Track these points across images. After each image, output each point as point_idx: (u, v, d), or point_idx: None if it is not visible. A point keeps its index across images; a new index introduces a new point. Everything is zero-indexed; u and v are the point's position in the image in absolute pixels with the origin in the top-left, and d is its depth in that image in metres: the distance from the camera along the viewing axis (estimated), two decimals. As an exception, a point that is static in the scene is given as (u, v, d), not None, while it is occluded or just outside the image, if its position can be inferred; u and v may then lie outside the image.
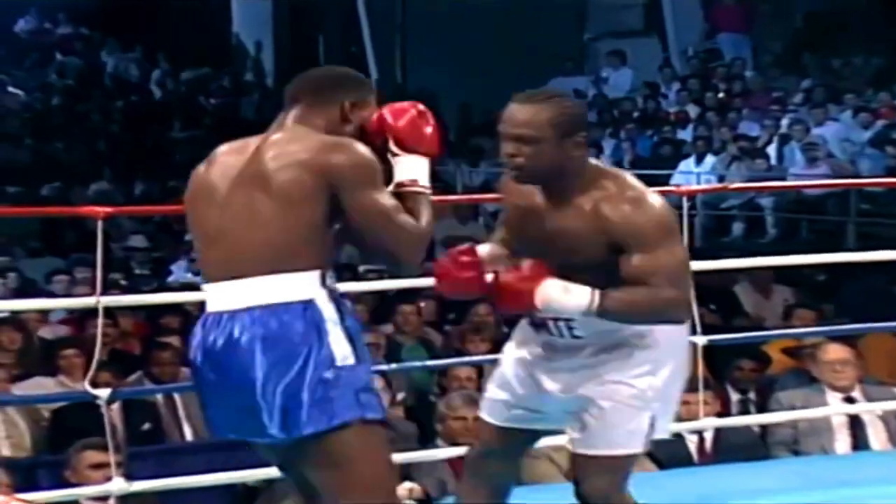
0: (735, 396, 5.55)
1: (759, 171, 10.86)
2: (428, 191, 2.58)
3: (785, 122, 11.99)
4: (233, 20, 17.34)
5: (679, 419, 4.67)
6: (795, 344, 5.82)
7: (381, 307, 6.90)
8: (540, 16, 14.48)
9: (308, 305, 2.43)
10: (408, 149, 2.59)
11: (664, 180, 11.09)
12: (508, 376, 2.92)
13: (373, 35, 15.88)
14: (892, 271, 7.55)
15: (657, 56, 14.81)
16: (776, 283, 8.00)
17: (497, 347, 6.01)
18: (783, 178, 10.67)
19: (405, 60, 15.86)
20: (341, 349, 2.44)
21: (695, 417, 4.37)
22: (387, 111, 2.62)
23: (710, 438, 4.77)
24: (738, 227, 10.86)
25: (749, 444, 4.81)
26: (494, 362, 5.93)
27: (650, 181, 10.30)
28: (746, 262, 5.40)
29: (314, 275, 2.45)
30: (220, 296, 2.48)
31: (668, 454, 4.69)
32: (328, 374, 2.41)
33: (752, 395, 5.55)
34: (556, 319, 2.78)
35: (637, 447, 2.79)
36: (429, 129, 2.63)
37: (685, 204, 4.49)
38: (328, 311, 2.45)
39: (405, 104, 2.66)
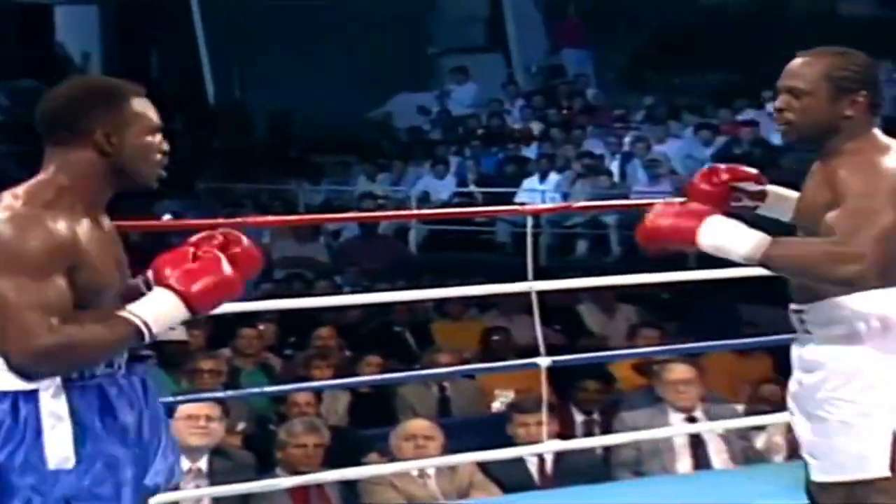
0: (580, 418, 5.63)
1: (603, 189, 11.05)
2: (139, 323, 2.22)
3: (628, 139, 12.23)
4: (56, 28, 16.87)
5: (520, 441, 4.75)
6: (645, 361, 5.93)
7: (219, 330, 6.82)
8: (385, 31, 14.53)
9: (27, 395, 2.18)
10: (160, 283, 2.28)
11: (509, 198, 11.22)
12: None
13: (210, 48, 15.68)
14: (735, 289, 7.75)
15: (501, 72, 14.98)
16: (620, 301, 8.13)
17: (340, 372, 6.06)
18: (626, 196, 10.87)
19: (244, 76, 15.72)
20: (58, 450, 2.18)
21: (537, 440, 4.41)
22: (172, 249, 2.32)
23: (550, 461, 4.81)
24: (582, 246, 11.02)
25: (591, 467, 4.87)
26: (336, 388, 5.94)
27: (496, 199, 10.37)
28: (591, 281, 5.44)
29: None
30: None
31: (508, 477, 4.73)
32: (29, 479, 2.17)
33: (596, 416, 5.64)
34: (796, 311, 2.58)
35: (874, 471, 2.47)
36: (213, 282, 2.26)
37: (529, 223, 4.56)
38: (50, 403, 2.19)
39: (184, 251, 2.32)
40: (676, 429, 4.87)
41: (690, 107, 12.73)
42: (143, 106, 2.29)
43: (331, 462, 4.67)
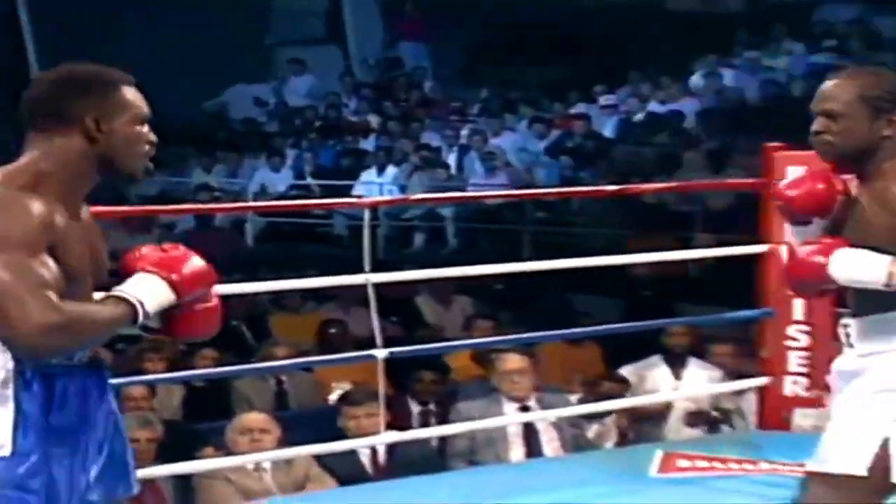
0: (416, 409, 5.66)
1: (440, 181, 11.12)
2: (132, 300, 2.19)
3: (464, 132, 12.33)
4: None
5: (351, 434, 4.75)
6: (480, 351, 5.99)
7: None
8: (222, 21, 14.35)
9: None
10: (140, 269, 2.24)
11: (346, 191, 11.22)
12: None
13: (35, 33, 15.23)
14: (567, 280, 7.90)
15: (339, 64, 14.95)
16: (456, 293, 8.20)
17: (174, 366, 5.97)
18: (463, 188, 10.96)
19: (74, 63, 15.28)
20: None
21: (370, 432, 4.42)
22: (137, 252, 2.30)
23: (383, 452, 4.82)
24: (419, 238, 11.07)
25: (426, 457, 4.89)
26: (171, 381, 5.85)
27: (333, 192, 10.40)
28: (427, 273, 5.48)
29: None
30: None
31: (343, 470, 4.73)
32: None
33: (432, 407, 5.68)
34: (845, 326, 2.65)
35: (850, 468, 2.53)
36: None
37: (367, 215, 4.57)
38: None
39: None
40: (510, 418, 4.93)
41: (525, 100, 12.89)
42: (133, 95, 2.25)
43: (164, 457, 4.61)
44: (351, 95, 14.06)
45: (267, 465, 4.67)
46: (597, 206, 10.13)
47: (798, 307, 4.53)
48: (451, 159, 11.88)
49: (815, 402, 4.65)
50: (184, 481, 4.70)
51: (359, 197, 9.32)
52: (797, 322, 4.53)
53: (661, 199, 9.90)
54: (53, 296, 2.09)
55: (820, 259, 2.59)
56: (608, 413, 5.36)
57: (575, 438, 4.95)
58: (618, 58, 12.99)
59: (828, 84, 2.62)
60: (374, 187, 11.31)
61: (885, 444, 2.51)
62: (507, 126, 12.25)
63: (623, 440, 5.45)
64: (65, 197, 2.18)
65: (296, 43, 15.24)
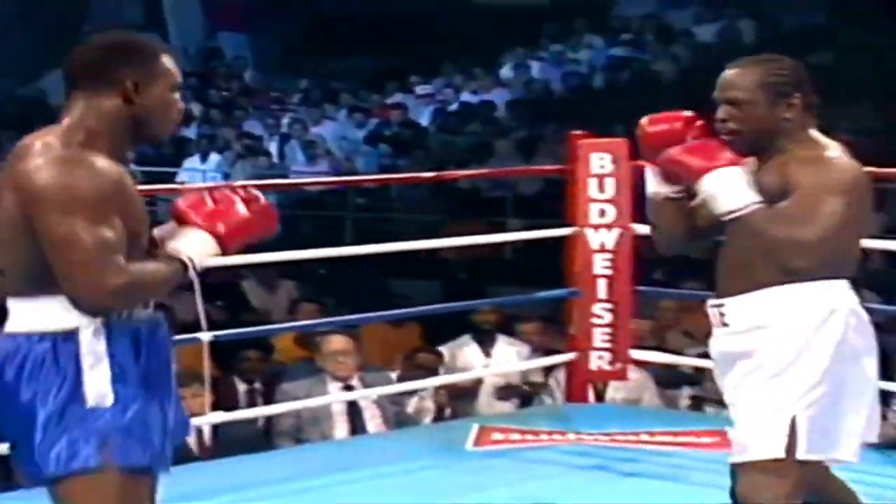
0: (242, 387, 5.64)
1: (263, 169, 11.08)
2: (185, 259, 2.25)
3: (285, 120, 12.28)
4: None
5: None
6: (305, 334, 6.00)
7: None
8: (42, 6, 13.95)
9: (67, 337, 2.18)
10: (188, 224, 2.29)
11: (169, 178, 11.06)
12: None
13: None
14: (387, 264, 7.97)
15: (159, 52, 14.68)
16: (281, 277, 8.19)
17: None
18: (285, 176, 10.93)
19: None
20: (96, 388, 2.17)
21: (197, 413, 4.41)
22: (184, 195, 2.36)
23: (208, 432, 4.81)
24: (243, 224, 10.96)
25: (251, 437, 4.89)
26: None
27: (156, 178, 10.17)
28: (252, 258, 5.46)
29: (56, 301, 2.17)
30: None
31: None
32: (69, 417, 2.17)
33: (258, 386, 5.67)
34: (717, 306, 2.62)
35: (771, 452, 2.52)
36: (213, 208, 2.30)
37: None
38: (90, 344, 2.18)
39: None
40: (334, 396, 4.97)
41: (344, 90, 12.90)
42: (171, 63, 2.30)
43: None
44: (172, 83, 13.83)
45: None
46: (414, 193, 10.24)
47: (602, 287, 4.65)
48: (273, 147, 11.83)
49: (619, 375, 4.84)
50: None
51: (181, 183, 9.22)
52: (601, 300, 4.67)
53: (474, 185, 10.05)
54: (121, 259, 2.14)
55: (700, 161, 2.57)
56: (427, 390, 5.45)
57: (396, 415, 5.02)
58: (432, 50, 13.11)
59: (729, 73, 2.63)
60: (198, 174, 11.19)
61: (792, 423, 2.52)
62: (327, 115, 12.25)
63: (440, 415, 5.55)
64: (115, 155, 2.22)
65: (114, 30, 14.87)
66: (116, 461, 2.17)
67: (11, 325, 2.21)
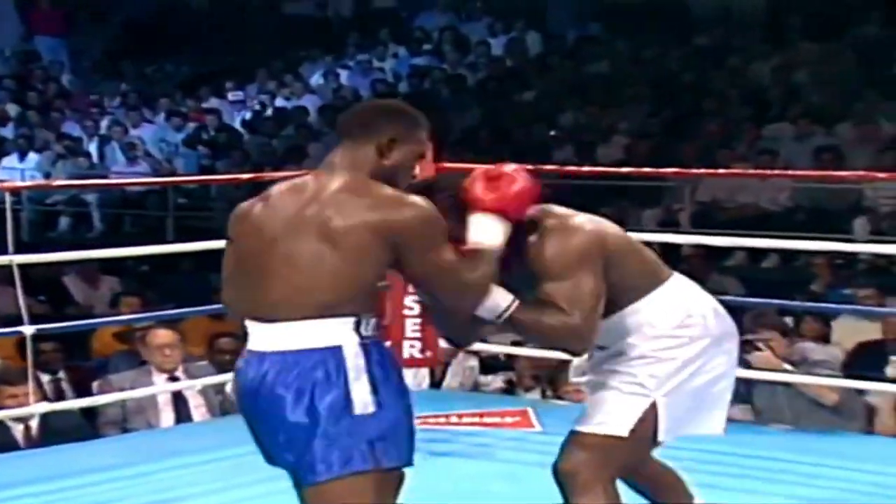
0: (46, 378, 5.39)
1: (83, 169, 10.78)
2: (492, 247, 2.42)
3: (104, 123, 11.94)
4: None
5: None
6: (126, 329, 5.83)
7: None
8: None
9: (334, 352, 2.26)
10: (481, 209, 2.44)
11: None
12: None
13: None
14: (206, 260, 7.80)
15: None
16: (103, 273, 7.97)
17: None
18: (106, 176, 10.64)
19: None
20: (361, 397, 2.25)
21: (24, 404, 4.25)
22: (473, 178, 2.46)
23: (36, 424, 4.62)
24: (65, 222, 10.67)
25: (75, 426, 4.70)
26: None
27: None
28: (74, 254, 5.29)
29: (348, 321, 2.28)
30: (260, 336, 2.30)
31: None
32: (342, 425, 2.25)
33: (62, 375, 5.47)
34: None
35: (616, 430, 2.51)
36: (510, 190, 2.45)
37: (8, 199, 4.33)
38: (353, 358, 2.27)
39: (493, 170, 2.47)
40: (160, 388, 4.84)
41: (162, 95, 12.62)
42: (425, 138, 2.41)
43: None
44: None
45: None
46: (234, 193, 10.07)
47: (412, 280, 4.66)
48: (93, 149, 11.49)
49: (429, 363, 4.84)
50: None
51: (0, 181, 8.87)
52: (412, 293, 4.66)
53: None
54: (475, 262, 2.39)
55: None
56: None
57: (221, 404, 4.91)
58: (242, 57, 12.93)
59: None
60: (17, 173, 10.78)
61: (653, 407, 2.52)
62: (146, 118, 11.97)
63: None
64: None
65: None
66: (383, 463, 2.26)
67: (278, 344, 2.27)
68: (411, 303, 4.64)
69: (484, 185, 2.44)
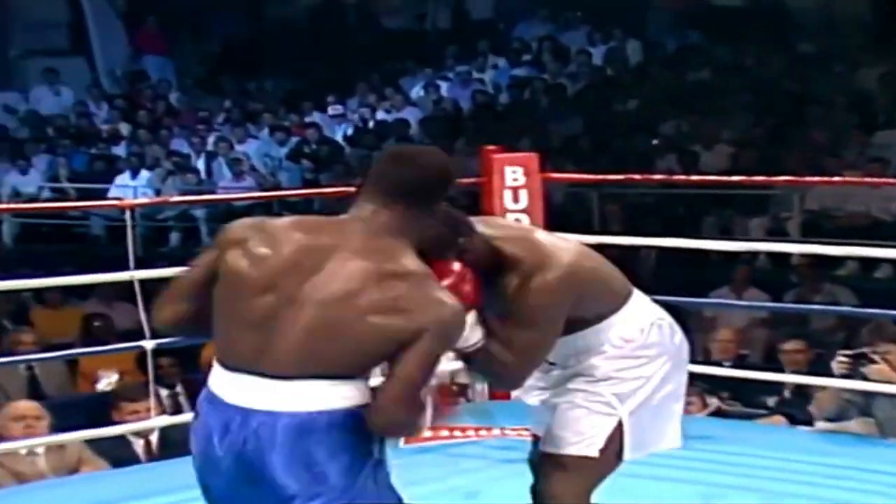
0: (164, 392, 5.48)
1: (192, 185, 10.94)
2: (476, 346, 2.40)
3: (211, 139, 12.14)
4: None
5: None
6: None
7: None
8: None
9: (357, 412, 2.11)
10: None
11: (101, 194, 10.87)
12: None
13: None
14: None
15: (86, 75, 14.41)
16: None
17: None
18: (213, 191, 10.80)
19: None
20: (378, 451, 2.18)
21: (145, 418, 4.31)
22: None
23: (156, 437, 4.68)
24: (175, 237, 10.85)
25: (188, 439, 4.74)
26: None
27: (88, 195, 10.00)
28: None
29: (365, 383, 2.13)
30: (254, 391, 2.09)
31: (115, 456, 4.57)
32: (380, 473, 2.18)
33: (179, 390, 5.55)
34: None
35: (588, 451, 2.54)
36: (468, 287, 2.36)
37: (128, 216, 4.41)
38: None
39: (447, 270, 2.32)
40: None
41: (264, 110, 12.79)
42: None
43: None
44: (101, 104, 13.58)
45: (40, 449, 4.47)
46: (336, 205, 10.12)
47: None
48: (201, 164, 11.68)
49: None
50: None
51: (118, 199, 9.06)
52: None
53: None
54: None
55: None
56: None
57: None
58: (343, 71, 13.04)
59: None
60: (129, 190, 11.00)
61: (619, 426, 2.55)
62: (250, 134, 12.14)
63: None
64: None
65: (42, 53, 14.56)
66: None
67: (294, 405, 2.07)
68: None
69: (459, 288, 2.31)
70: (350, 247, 2.10)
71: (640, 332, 2.58)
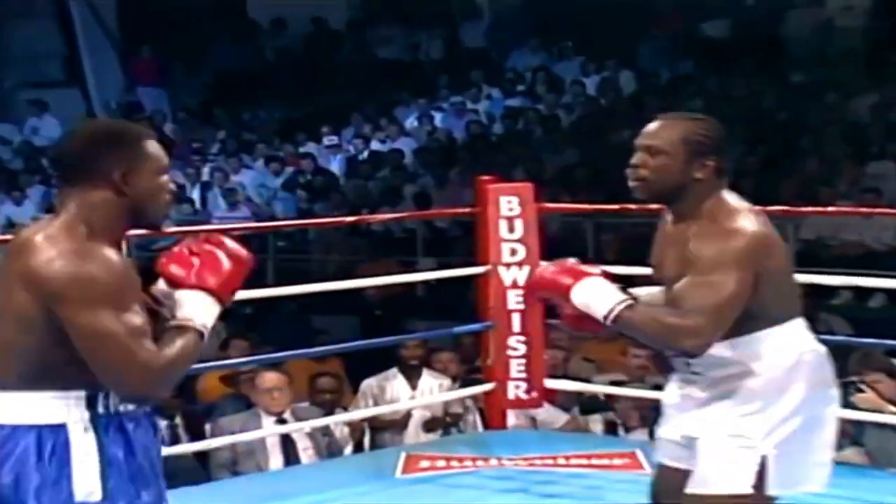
0: (163, 423, 5.47)
1: (187, 215, 10.96)
2: (199, 327, 2.09)
3: (206, 170, 12.15)
4: None
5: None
6: (232, 372, 5.91)
7: None
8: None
9: (52, 430, 2.01)
10: (184, 286, 2.12)
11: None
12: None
13: None
14: (308, 301, 7.89)
15: (80, 106, 14.44)
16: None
17: None
18: (208, 222, 10.82)
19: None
20: (85, 485, 2.01)
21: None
22: (166, 256, 2.15)
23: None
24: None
25: (189, 469, 4.77)
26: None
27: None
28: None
29: (73, 396, 2.02)
30: None
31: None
32: None
33: (179, 421, 5.54)
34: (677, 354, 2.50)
35: (737, 488, 2.42)
36: (220, 268, 2.14)
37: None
38: (82, 438, 2.02)
39: (195, 245, 2.17)
40: (269, 430, 4.88)
41: (259, 141, 12.82)
42: (154, 147, 2.15)
43: None
44: (96, 136, 13.60)
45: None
46: (331, 235, 10.19)
47: (516, 321, 4.63)
48: (196, 195, 11.70)
49: (534, 403, 4.81)
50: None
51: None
52: (516, 333, 4.64)
53: (386, 227, 10.04)
54: (151, 343, 2.02)
55: (566, 279, 2.50)
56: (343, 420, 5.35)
57: (328, 445, 4.95)
58: (337, 101, 13.08)
59: (654, 123, 2.54)
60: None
61: (762, 461, 2.44)
62: (245, 164, 12.16)
63: (361, 443, 5.46)
64: (114, 245, 2.08)
65: (36, 85, 14.61)
66: None
67: None
68: (516, 343, 4.62)
69: (180, 264, 2.15)
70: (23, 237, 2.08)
71: (798, 356, 2.47)
